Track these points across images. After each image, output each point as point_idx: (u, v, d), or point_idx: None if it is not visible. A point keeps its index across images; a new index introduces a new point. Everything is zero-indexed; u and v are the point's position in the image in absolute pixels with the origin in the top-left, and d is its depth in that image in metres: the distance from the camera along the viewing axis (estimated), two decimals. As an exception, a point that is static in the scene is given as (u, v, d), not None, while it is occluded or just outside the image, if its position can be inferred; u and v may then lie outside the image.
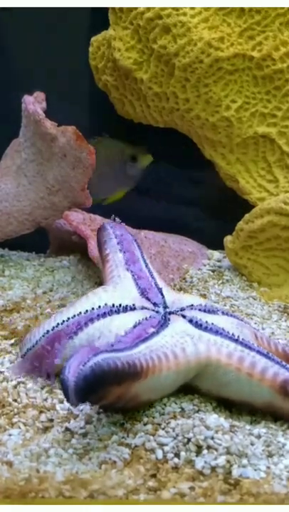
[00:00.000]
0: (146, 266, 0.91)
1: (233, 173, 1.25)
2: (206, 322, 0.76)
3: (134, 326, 0.74)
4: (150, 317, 0.76)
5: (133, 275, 0.87)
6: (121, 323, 0.75)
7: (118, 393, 0.65)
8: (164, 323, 0.75)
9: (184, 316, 0.77)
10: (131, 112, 1.30)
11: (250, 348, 0.73)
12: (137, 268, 0.89)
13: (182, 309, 0.80)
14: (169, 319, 0.76)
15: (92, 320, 0.77)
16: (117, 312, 0.78)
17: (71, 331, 0.77)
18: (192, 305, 0.82)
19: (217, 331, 0.74)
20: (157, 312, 0.79)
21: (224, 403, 0.73)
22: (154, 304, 0.81)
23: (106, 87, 1.30)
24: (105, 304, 0.79)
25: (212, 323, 0.76)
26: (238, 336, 0.74)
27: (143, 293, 0.84)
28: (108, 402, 0.65)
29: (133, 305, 0.79)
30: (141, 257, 0.92)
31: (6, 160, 1.31)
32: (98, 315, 0.77)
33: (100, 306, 0.79)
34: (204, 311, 0.80)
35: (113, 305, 0.79)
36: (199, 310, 0.80)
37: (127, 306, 0.78)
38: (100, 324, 0.76)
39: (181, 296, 0.88)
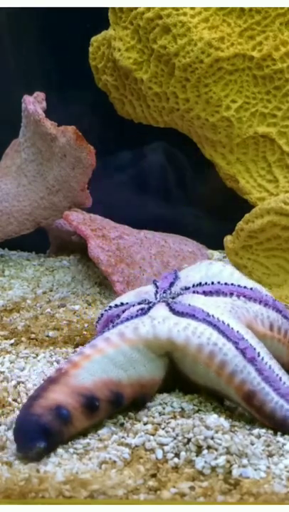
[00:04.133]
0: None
1: (233, 173, 1.25)
2: (188, 306, 0.75)
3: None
4: (129, 315, 0.77)
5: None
6: None
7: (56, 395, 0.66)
8: (140, 314, 0.75)
9: (168, 304, 0.77)
10: (131, 112, 1.30)
11: (228, 337, 0.70)
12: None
13: (185, 288, 0.80)
14: (150, 308, 0.77)
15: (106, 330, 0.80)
16: (118, 317, 0.80)
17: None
18: (200, 283, 0.80)
19: (194, 315, 0.73)
20: (149, 303, 0.79)
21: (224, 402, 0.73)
22: (156, 292, 0.81)
23: (106, 87, 1.30)
24: (115, 306, 0.82)
25: (190, 305, 0.74)
26: (219, 319, 0.72)
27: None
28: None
29: (126, 303, 0.81)
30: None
31: (6, 160, 1.31)
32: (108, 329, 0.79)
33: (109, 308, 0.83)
34: (207, 292, 0.78)
35: (121, 303, 0.82)
36: (203, 292, 0.78)
37: (124, 310, 0.80)
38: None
39: (197, 268, 0.85)
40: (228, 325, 0.72)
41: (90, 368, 0.68)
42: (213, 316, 0.73)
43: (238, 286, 0.80)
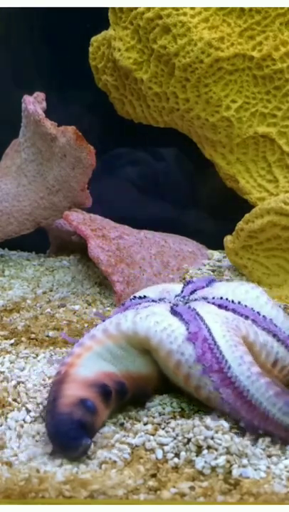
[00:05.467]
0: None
1: (233, 173, 1.25)
2: (186, 307, 0.75)
3: None
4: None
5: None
6: None
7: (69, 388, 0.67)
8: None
9: (174, 304, 0.77)
10: (131, 112, 1.30)
11: (195, 345, 0.69)
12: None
13: (203, 298, 0.79)
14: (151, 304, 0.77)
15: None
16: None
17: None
18: (220, 297, 0.78)
19: (181, 316, 0.73)
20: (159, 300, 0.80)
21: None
22: (178, 294, 0.82)
23: (106, 87, 1.30)
24: (139, 297, 0.82)
25: (189, 307, 0.75)
26: (206, 326, 0.70)
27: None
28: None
29: (147, 297, 0.82)
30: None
31: (6, 160, 1.31)
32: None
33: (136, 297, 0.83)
34: (223, 307, 0.76)
35: (144, 296, 0.82)
36: (219, 306, 0.76)
37: (140, 303, 0.80)
38: None
39: (227, 283, 0.84)
40: (209, 330, 0.71)
41: (85, 363, 0.69)
42: (201, 318, 0.72)
43: (258, 313, 0.77)
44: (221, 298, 0.78)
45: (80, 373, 0.68)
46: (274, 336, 0.75)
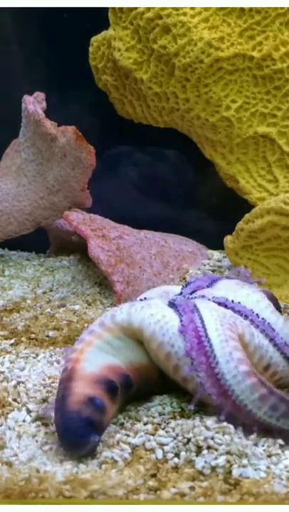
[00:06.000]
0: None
1: (233, 173, 1.25)
2: (182, 299, 0.75)
3: None
4: None
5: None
6: None
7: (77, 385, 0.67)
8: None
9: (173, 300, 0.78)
10: (131, 112, 1.30)
11: (186, 338, 0.69)
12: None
13: (202, 297, 0.79)
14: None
15: None
16: None
17: None
18: (224, 298, 0.78)
19: (176, 308, 0.73)
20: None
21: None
22: (178, 294, 0.82)
23: (106, 87, 1.30)
24: (140, 300, 0.81)
25: (188, 301, 0.75)
26: (200, 318, 0.71)
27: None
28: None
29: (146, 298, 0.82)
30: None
31: (6, 160, 1.31)
32: None
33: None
34: (222, 304, 0.76)
35: (145, 299, 0.81)
36: (219, 303, 0.76)
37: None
38: None
39: (229, 283, 0.83)
40: (202, 322, 0.71)
41: (89, 358, 0.69)
42: (197, 310, 0.72)
43: (257, 315, 0.76)
44: (224, 298, 0.78)
45: (86, 369, 0.68)
46: (271, 340, 0.75)
